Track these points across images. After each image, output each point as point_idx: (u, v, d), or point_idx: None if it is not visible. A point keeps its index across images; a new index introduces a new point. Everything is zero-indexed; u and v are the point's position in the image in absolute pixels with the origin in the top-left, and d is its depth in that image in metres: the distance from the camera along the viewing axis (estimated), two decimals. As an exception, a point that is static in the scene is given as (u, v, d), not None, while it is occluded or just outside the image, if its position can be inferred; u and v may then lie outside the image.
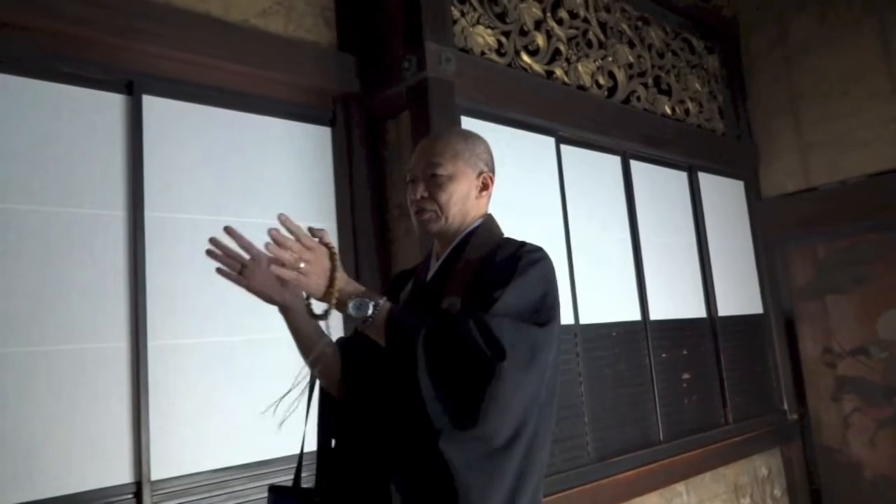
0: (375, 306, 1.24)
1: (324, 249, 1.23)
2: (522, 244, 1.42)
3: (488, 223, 1.51)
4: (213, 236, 1.39)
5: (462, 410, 1.18)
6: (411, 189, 1.49)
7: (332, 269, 1.23)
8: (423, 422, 1.19)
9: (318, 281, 1.21)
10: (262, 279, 1.37)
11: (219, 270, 1.39)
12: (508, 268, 1.33)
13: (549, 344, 1.28)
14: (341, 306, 1.24)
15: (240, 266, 1.38)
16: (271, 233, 1.17)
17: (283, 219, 1.21)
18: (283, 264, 1.17)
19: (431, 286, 1.46)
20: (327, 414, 1.49)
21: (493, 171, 1.54)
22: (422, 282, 1.51)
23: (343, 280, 1.24)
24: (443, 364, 1.19)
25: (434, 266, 1.50)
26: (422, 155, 1.49)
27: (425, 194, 1.46)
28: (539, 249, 1.40)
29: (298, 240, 1.20)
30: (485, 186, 1.51)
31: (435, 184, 1.45)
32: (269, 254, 1.18)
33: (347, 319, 1.30)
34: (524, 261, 1.34)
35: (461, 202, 1.46)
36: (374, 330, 1.26)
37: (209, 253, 1.38)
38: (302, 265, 1.18)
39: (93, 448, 2.01)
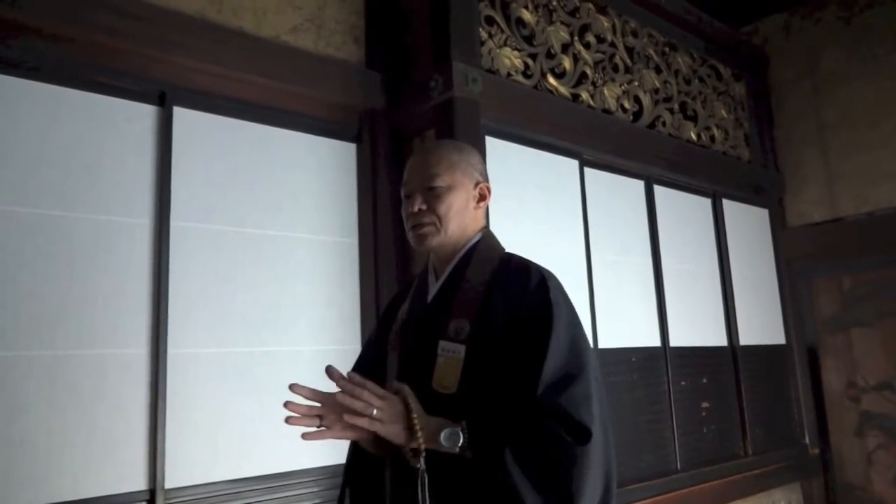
0: (464, 431, 1.22)
1: (395, 398, 1.24)
2: (528, 269, 1.37)
3: (488, 238, 1.48)
4: (288, 401, 1.25)
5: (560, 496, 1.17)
6: (407, 203, 1.45)
7: (409, 412, 1.23)
8: None
9: (395, 427, 1.22)
10: (343, 424, 1.27)
11: (304, 436, 1.27)
12: (536, 318, 1.28)
13: (590, 383, 1.26)
14: (430, 442, 1.23)
15: (317, 419, 1.28)
16: (341, 384, 1.18)
17: (334, 374, 1.20)
18: (353, 412, 1.18)
19: (434, 307, 1.42)
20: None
21: (488, 181, 1.51)
22: (423, 302, 1.46)
23: (423, 418, 1.24)
24: (534, 470, 1.18)
25: (435, 285, 1.45)
26: (416, 168, 1.46)
27: (423, 206, 1.42)
28: (549, 278, 1.35)
29: (368, 390, 1.20)
30: (482, 197, 1.47)
31: (433, 195, 1.41)
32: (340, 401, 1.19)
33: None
34: (549, 308, 1.29)
35: (460, 214, 1.43)
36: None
37: (288, 420, 1.25)
38: (374, 412, 1.19)
39: (109, 453, 2.02)
